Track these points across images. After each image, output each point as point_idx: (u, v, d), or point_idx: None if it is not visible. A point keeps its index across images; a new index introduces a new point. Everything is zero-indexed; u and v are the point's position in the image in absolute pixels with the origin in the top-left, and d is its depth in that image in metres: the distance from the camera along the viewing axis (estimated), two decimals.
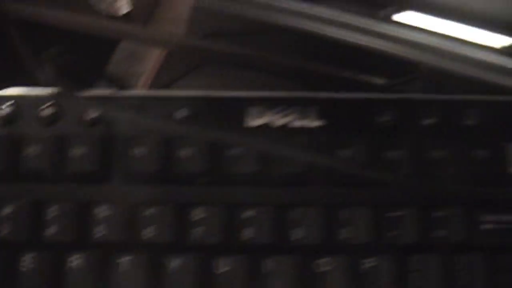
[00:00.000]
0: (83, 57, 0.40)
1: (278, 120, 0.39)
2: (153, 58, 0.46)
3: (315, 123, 0.39)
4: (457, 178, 0.39)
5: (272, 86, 0.43)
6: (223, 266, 0.36)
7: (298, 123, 0.39)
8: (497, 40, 0.27)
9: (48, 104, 0.38)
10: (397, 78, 0.47)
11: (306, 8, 0.30)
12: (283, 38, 0.43)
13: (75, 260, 0.36)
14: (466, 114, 0.41)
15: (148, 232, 0.37)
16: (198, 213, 0.37)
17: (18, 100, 0.38)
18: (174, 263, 0.36)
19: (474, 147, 0.40)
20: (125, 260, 0.36)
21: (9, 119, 0.38)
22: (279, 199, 0.38)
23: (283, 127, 0.39)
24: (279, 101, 0.39)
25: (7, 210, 0.36)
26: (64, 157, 0.37)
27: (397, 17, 0.28)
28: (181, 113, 0.39)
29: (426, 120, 0.40)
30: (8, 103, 0.38)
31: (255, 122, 0.39)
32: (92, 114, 0.38)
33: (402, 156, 0.39)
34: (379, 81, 0.47)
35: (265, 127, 0.39)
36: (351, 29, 0.30)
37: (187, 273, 0.36)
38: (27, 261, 0.36)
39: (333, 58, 0.45)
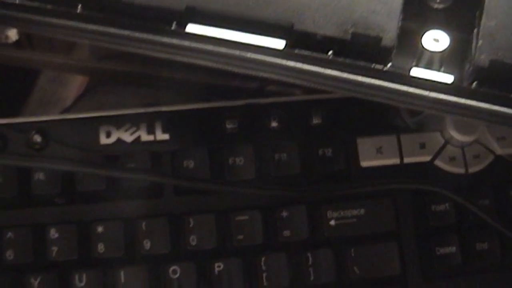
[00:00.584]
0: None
1: (128, 136, 0.41)
2: (77, 82, 0.49)
3: (161, 136, 0.41)
4: (305, 177, 0.41)
5: (164, 99, 0.45)
6: (80, 280, 0.39)
7: (146, 138, 0.41)
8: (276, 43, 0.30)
9: None
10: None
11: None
12: None
13: None
14: (312, 114, 0.42)
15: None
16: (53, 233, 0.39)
17: None
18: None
19: (321, 145, 0.41)
20: None
21: None
22: (128, 212, 0.40)
23: (135, 141, 0.41)
24: (126, 118, 0.41)
25: None
26: None
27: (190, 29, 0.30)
28: (37, 138, 0.41)
29: (272, 123, 0.42)
30: None
31: (109, 140, 0.41)
32: None
33: (246, 160, 0.41)
34: (253, 85, 0.49)
35: (119, 143, 0.41)
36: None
37: None
38: None
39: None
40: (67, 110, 0.48)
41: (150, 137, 0.41)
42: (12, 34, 0.45)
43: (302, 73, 0.30)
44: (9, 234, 0.39)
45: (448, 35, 0.29)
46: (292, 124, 0.42)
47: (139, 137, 0.41)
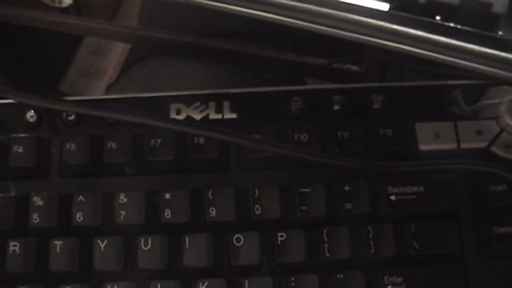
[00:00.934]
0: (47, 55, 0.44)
1: (197, 114, 0.43)
2: (117, 52, 0.50)
3: (229, 115, 0.43)
4: (366, 155, 0.43)
5: (215, 72, 0.46)
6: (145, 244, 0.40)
7: (214, 116, 0.43)
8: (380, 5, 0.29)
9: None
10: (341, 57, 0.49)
11: None
12: (225, 26, 0.46)
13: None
14: (372, 100, 0.44)
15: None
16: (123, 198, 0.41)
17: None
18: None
19: (382, 126, 0.43)
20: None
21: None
22: (195, 184, 0.42)
23: (204, 119, 0.43)
24: (197, 97, 0.44)
25: None
26: None
27: None
28: None
29: (334, 106, 0.44)
30: None
31: (179, 117, 0.43)
32: None
33: (310, 137, 0.42)
34: (319, 61, 0.50)
35: (188, 119, 0.43)
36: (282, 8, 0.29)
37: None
38: None
39: (275, 41, 0.48)
40: (118, 80, 0.49)
41: (218, 116, 0.43)
42: None
43: (407, 38, 0.28)
44: (80, 198, 0.41)
45: None
46: (353, 108, 0.44)
47: (207, 115, 0.43)
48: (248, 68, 0.47)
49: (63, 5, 0.44)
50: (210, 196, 0.41)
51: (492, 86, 0.44)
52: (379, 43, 0.29)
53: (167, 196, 0.41)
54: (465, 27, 0.28)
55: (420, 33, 0.28)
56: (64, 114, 0.43)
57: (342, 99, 0.44)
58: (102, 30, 0.46)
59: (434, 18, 0.28)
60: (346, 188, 0.41)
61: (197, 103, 0.44)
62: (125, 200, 0.41)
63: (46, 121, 0.43)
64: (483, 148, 0.43)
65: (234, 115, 0.44)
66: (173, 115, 0.43)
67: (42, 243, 0.40)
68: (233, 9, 0.31)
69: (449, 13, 0.28)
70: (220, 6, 0.31)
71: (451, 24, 0.28)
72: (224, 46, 0.47)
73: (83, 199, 0.41)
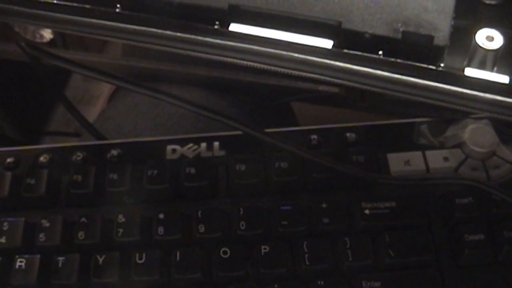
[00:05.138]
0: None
1: (191, 153, 0.49)
2: None
3: (218, 153, 0.49)
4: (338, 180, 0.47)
5: (197, 98, 0.50)
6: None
7: (205, 154, 0.49)
8: (323, 43, 0.29)
9: None
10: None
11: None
12: None
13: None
14: (347, 137, 0.49)
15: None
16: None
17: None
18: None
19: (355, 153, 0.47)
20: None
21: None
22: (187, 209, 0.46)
23: (196, 157, 0.49)
24: (190, 140, 0.49)
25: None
26: None
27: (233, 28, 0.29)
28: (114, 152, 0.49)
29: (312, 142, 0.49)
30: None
31: (175, 155, 0.49)
32: None
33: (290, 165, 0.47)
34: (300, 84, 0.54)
35: (182, 157, 0.48)
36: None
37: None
38: None
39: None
40: (105, 109, 0.52)
41: (209, 154, 0.49)
42: (47, 33, 0.47)
43: (352, 74, 0.28)
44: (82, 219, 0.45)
45: (502, 33, 0.28)
46: (329, 145, 0.49)
47: (199, 153, 0.49)
48: (230, 94, 0.51)
49: (45, 40, 0.47)
50: (199, 215, 0.45)
51: (456, 121, 0.49)
52: (325, 80, 0.29)
53: (161, 215, 0.45)
54: (407, 61, 0.28)
55: (363, 68, 0.28)
56: (74, 156, 0.49)
57: (319, 138, 0.49)
58: (88, 62, 0.48)
59: (377, 53, 0.29)
60: (323, 205, 0.45)
61: (190, 144, 0.49)
62: (123, 219, 0.45)
63: (57, 162, 0.48)
64: (452, 169, 0.47)
65: (223, 153, 0.49)
66: (169, 155, 0.49)
67: (46, 260, 0.44)
68: (188, 53, 0.31)
69: (391, 47, 0.29)
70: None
71: (393, 59, 0.29)
72: (206, 73, 0.52)
73: (85, 220, 0.45)
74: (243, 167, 0.47)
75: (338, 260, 0.43)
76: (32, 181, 0.47)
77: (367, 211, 0.45)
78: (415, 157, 0.48)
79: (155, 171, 0.47)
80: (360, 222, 0.45)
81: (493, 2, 0.30)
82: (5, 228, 0.45)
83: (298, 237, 0.44)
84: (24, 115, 0.55)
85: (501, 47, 0.28)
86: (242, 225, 0.45)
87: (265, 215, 0.45)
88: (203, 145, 0.49)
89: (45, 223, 0.45)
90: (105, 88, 0.54)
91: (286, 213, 0.45)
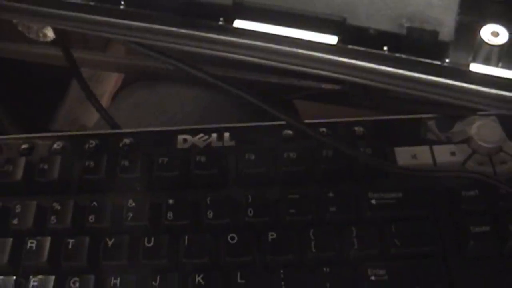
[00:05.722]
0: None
1: (201, 143, 0.50)
2: (113, 77, 0.54)
3: (229, 143, 0.49)
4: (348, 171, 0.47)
5: (200, 97, 0.51)
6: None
7: (216, 144, 0.50)
8: (328, 39, 0.29)
9: None
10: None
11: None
12: None
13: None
14: (356, 130, 0.50)
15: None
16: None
17: None
18: None
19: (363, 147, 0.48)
20: None
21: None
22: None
23: (207, 146, 0.49)
24: (200, 130, 0.50)
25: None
26: None
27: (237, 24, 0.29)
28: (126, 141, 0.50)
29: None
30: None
31: (186, 144, 0.50)
32: None
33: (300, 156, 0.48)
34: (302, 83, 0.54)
35: (193, 147, 0.49)
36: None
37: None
38: None
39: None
40: (108, 108, 0.53)
41: (219, 144, 0.50)
42: (49, 32, 0.46)
43: (356, 70, 0.29)
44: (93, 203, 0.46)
45: (507, 28, 0.29)
46: (338, 137, 0.49)
47: (210, 143, 0.50)
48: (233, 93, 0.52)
49: (48, 39, 0.46)
50: (208, 202, 0.46)
51: (463, 117, 0.50)
52: (331, 76, 0.29)
53: (170, 201, 0.46)
54: (412, 57, 0.28)
55: (368, 64, 0.29)
56: (87, 144, 0.50)
57: (328, 131, 0.50)
58: (91, 61, 0.50)
59: (382, 49, 0.29)
60: (331, 194, 0.46)
61: (201, 134, 0.50)
62: (133, 204, 0.46)
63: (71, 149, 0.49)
64: (459, 164, 0.48)
65: (233, 143, 0.50)
66: (180, 144, 0.50)
67: (56, 242, 0.45)
68: (188, 48, 0.31)
69: (396, 43, 0.29)
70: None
71: (398, 55, 0.29)
72: (208, 71, 0.52)
73: (96, 204, 0.46)
74: (252, 157, 0.48)
75: (344, 248, 0.44)
76: (46, 166, 0.48)
77: (373, 201, 0.45)
78: (422, 151, 0.48)
79: (166, 159, 0.48)
80: (366, 212, 0.45)
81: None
82: (17, 211, 0.46)
83: (305, 225, 0.45)
84: (28, 115, 0.56)
85: (506, 42, 0.28)
86: (250, 212, 0.45)
87: (273, 203, 0.46)
88: (214, 135, 0.50)
89: (57, 206, 0.46)
90: (108, 87, 0.55)
91: (293, 202, 0.46)
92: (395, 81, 0.29)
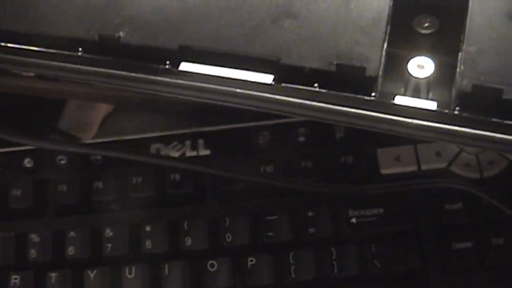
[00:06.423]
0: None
1: (175, 152, 0.48)
2: (103, 107, 0.53)
3: (204, 152, 0.48)
4: (328, 182, 0.46)
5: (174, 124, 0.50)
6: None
7: (190, 154, 0.48)
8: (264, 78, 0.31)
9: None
10: None
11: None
12: None
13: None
14: (335, 130, 0.47)
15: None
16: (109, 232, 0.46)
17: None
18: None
19: (344, 153, 0.46)
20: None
21: None
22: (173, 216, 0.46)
23: (181, 156, 0.48)
24: (174, 137, 0.48)
25: None
26: None
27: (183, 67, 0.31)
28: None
29: (299, 138, 0.47)
30: None
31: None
32: None
33: (276, 168, 0.46)
34: None
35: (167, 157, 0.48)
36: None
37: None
38: None
39: None
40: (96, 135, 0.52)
41: (194, 153, 0.48)
42: None
43: (290, 106, 0.31)
44: (71, 234, 0.46)
45: (434, 60, 0.30)
46: (318, 138, 0.47)
47: (184, 153, 0.48)
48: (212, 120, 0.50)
49: (31, 74, 0.46)
50: (185, 227, 0.45)
51: None
52: (269, 112, 0.31)
53: (148, 228, 0.45)
54: (342, 92, 0.30)
55: (300, 101, 0.30)
56: (58, 158, 0.48)
57: (306, 131, 0.47)
58: (79, 94, 0.49)
59: (313, 86, 0.30)
60: (309, 213, 0.45)
61: (175, 143, 0.48)
62: (111, 234, 0.45)
63: (41, 166, 0.48)
64: (443, 168, 0.46)
65: (208, 152, 0.48)
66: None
67: (39, 276, 0.45)
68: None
69: (327, 80, 0.30)
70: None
71: (327, 91, 0.30)
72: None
73: (74, 235, 0.45)
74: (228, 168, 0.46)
75: (324, 271, 0.44)
76: (19, 192, 0.47)
77: (353, 220, 0.44)
78: (406, 152, 0.46)
79: (140, 179, 0.46)
80: (346, 231, 0.44)
81: (427, 32, 0.32)
82: None
83: (284, 248, 0.44)
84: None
85: (431, 75, 0.30)
86: (228, 237, 0.45)
87: (251, 226, 0.45)
88: (187, 143, 0.48)
89: (35, 238, 0.46)
90: (101, 114, 0.53)
91: (271, 223, 0.45)
92: (325, 115, 0.31)
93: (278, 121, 0.48)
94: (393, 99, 0.30)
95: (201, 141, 0.48)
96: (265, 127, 0.48)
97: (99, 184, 0.47)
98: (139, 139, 0.49)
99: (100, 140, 0.49)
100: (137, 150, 0.48)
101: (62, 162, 0.48)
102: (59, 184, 0.47)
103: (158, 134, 0.49)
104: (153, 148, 0.48)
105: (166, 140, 0.48)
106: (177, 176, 0.46)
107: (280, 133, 0.48)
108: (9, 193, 0.47)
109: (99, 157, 0.48)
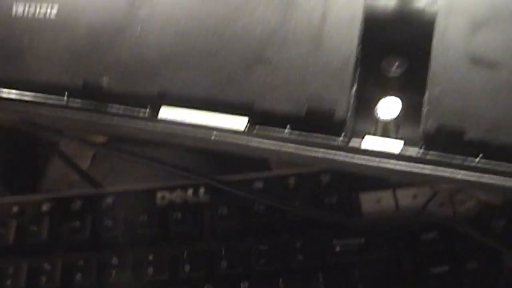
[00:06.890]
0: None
1: (178, 199, 0.53)
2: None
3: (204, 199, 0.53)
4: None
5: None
6: None
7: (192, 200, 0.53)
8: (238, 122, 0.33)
9: None
10: None
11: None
12: None
13: None
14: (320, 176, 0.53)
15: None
16: None
17: None
18: None
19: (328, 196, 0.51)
20: None
21: None
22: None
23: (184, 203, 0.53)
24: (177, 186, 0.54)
25: None
26: None
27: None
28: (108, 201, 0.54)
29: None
30: None
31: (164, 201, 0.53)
32: None
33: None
34: None
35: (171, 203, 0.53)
36: None
37: None
38: None
39: None
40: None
41: (195, 199, 0.53)
42: None
43: (263, 150, 0.32)
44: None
45: (402, 100, 0.31)
46: (304, 184, 0.53)
47: (186, 200, 0.53)
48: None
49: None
50: (185, 256, 0.49)
51: None
52: (245, 155, 0.33)
53: (150, 257, 0.49)
54: (312, 135, 0.32)
55: (272, 144, 0.32)
56: (73, 204, 0.53)
57: (296, 182, 0.53)
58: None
59: (285, 128, 0.32)
60: (298, 244, 0.49)
61: (178, 190, 0.54)
62: (116, 263, 0.49)
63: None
64: (419, 208, 0.51)
65: (207, 198, 0.53)
66: (159, 201, 0.53)
67: None
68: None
69: (298, 123, 0.32)
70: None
71: (298, 133, 0.32)
72: None
73: (82, 264, 0.50)
74: (225, 211, 0.51)
75: None
76: (35, 228, 0.52)
77: (338, 248, 0.49)
78: (386, 196, 0.51)
79: (146, 217, 0.51)
80: (332, 258, 0.48)
81: (395, 73, 0.32)
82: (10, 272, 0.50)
83: (274, 275, 0.48)
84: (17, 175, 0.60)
85: (399, 114, 0.31)
86: (224, 265, 0.49)
87: (245, 255, 0.49)
88: (190, 191, 0.53)
89: (47, 266, 0.50)
90: (91, 152, 0.59)
91: (263, 252, 0.49)
92: (297, 158, 0.32)
93: (270, 174, 0.53)
94: (362, 139, 0.32)
95: (202, 189, 0.53)
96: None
97: (109, 222, 0.52)
98: (146, 188, 0.54)
99: (109, 190, 0.55)
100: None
101: (77, 206, 0.53)
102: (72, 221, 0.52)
103: (163, 185, 0.54)
104: (159, 195, 0.53)
105: (170, 189, 0.54)
106: (179, 215, 0.51)
107: (272, 185, 0.53)
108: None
109: (110, 201, 0.53)
